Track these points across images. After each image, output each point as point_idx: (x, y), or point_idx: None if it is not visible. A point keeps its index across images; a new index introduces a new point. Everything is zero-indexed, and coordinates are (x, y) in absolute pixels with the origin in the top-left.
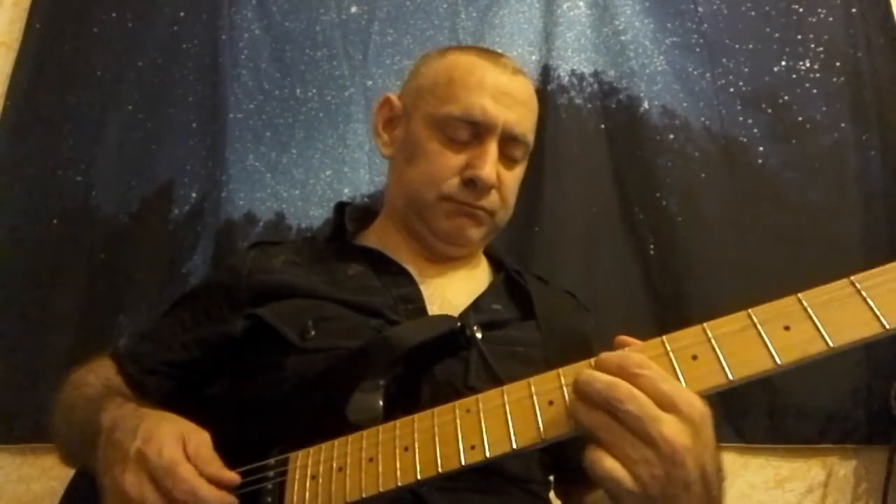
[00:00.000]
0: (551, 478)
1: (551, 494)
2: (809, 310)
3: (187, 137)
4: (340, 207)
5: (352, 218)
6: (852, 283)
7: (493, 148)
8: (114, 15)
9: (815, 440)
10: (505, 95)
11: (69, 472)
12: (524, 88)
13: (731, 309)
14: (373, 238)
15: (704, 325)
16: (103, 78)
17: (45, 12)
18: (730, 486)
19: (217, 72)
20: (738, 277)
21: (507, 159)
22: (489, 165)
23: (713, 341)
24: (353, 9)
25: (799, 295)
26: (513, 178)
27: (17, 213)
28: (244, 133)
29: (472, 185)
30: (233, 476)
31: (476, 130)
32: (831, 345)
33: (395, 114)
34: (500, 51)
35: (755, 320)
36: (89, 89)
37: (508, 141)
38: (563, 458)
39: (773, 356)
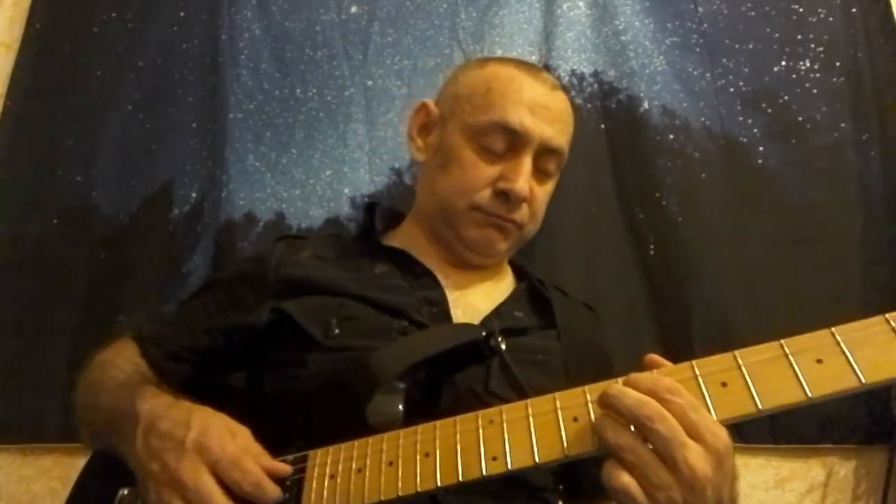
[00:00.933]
0: (561, 487)
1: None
2: (843, 345)
3: (187, 137)
4: (371, 207)
5: (381, 218)
6: (888, 321)
7: (527, 161)
8: (114, 15)
9: (815, 440)
10: (543, 109)
11: (69, 473)
12: (562, 103)
13: (732, 311)
14: (400, 239)
15: (735, 352)
16: (103, 78)
17: (45, 12)
18: None
19: (217, 72)
20: (738, 277)
21: (540, 173)
22: (523, 179)
23: (743, 369)
24: (353, 9)
25: (833, 329)
26: (544, 192)
27: (17, 212)
28: (244, 133)
29: (505, 197)
30: (285, 467)
31: (512, 142)
32: (864, 381)
33: (430, 119)
34: (501, 52)
35: (787, 351)
36: (89, 89)
37: (544, 154)
38: (573, 469)
39: (804, 389)
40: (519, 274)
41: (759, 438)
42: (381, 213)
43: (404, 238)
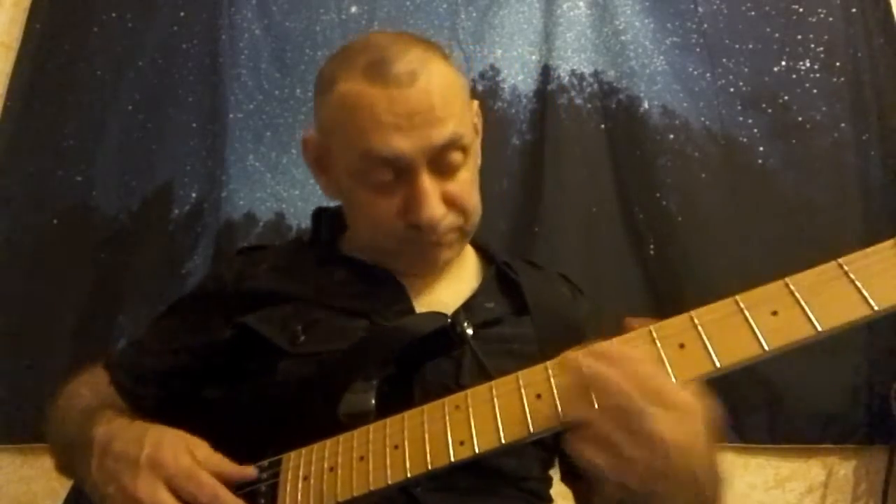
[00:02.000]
0: (551, 473)
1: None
2: (797, 294)
3: (187, 137)
4: (318, 213)
5: (328, 225)
6: (840, 266)
7: (423, 182)
8: (114, 15)
9: (815, 440)
10: (408, 118)
11: None
12: (428, 91)
13: None
14: (353, 245)
15: (691, 312)
16: (103, 78)
17: (45, 12)
18: (730, 486)
19: (217, 72)
20: (737, 277)
21: (445, 171)
22: (426, 206)
23: (700, 328)
24: (353, 9)
25: (786, 279)
26: (462, 182)
27: (17, 212)
28: (244, 133)
29: (417, 228)
30: (248, 471)
31: (396, 169)
32: (819, 329)
33: (320, 153)
34: (501, 52)
35: (742, 306)
36: (89, 89)
37: (439, 156)
38: (563, 452)
39: (760, 342)
40: (486, 257)
41: (759, 438)
42: (327, 219)
43: (356, 245)
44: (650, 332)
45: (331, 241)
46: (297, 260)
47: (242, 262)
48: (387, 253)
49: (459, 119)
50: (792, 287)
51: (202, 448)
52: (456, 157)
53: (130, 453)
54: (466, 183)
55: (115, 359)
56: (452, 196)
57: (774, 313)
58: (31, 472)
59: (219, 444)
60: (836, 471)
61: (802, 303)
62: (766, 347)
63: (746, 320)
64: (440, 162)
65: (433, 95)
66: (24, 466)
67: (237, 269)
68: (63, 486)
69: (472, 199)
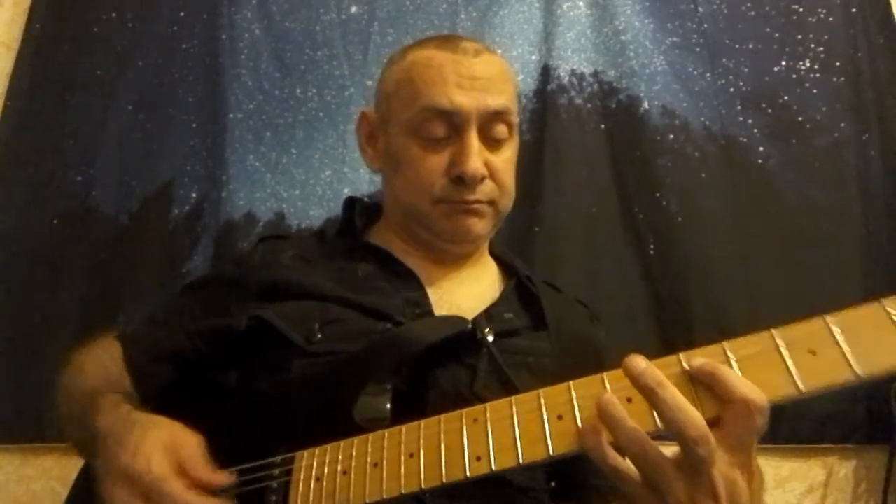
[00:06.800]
0: (553, 484)
1: None
2: (837, 335)
3: (187, 137)
4: (350, 202)
5: (361, 214)
6: (884, 307)
7: (472, 138)
8: (114, 15)
9: (815, 440)
10: (470, 80)
11: (69, 472)
12: (490, 65)
13: (732, 311)
14: (381, 236)
15: (724, 344)
16: (103, 78)
17: (45, 12)
18: None
19: (217, 72)
20: (737, 277)
21: (492, 142)
22: (472, 158)
23: (734, 363)
24: (353, 9)
25: (826, 317)
26: (504, 160)
27: (17, 213)
28: (244, 133)
29: (461, 181)
30: (224, 478)
31: (451, 124)
32: (860, 375)
33: (374, 127)
34: (500, 52)
35: (779, 343)
36: (89, 89)
37: (489, 123)
38: (566, 466)
39: (796, 383)
40: (507, 269)
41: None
42: (360, 209)
43: (384, 236)
44: (679, 361)
45: (360, 231)
46: (321, 251)
47: (266, 250)
48: (420, 219)
49: (511, 99)
50: (833, 327)
51: (188, 447)
52: (502, 130)
53: (114, 457)
54: (507, 161)
55: (132, 334)
56: (493, 167)
57: (813, 353)
58: (31, 472)
59: (230, 434)
60: (836, 471)
61: (843, 345)
62: (803, 389)
63: (783, 360)
64: (488, 130)
65: (493, 69)
66: (24, 466)
67: (261, 257)
68: (63, 486)
69: (510, 178)
